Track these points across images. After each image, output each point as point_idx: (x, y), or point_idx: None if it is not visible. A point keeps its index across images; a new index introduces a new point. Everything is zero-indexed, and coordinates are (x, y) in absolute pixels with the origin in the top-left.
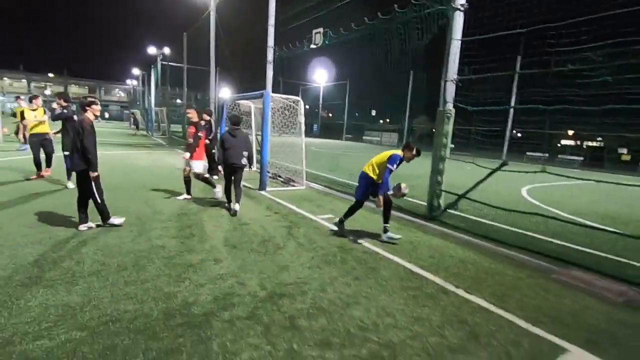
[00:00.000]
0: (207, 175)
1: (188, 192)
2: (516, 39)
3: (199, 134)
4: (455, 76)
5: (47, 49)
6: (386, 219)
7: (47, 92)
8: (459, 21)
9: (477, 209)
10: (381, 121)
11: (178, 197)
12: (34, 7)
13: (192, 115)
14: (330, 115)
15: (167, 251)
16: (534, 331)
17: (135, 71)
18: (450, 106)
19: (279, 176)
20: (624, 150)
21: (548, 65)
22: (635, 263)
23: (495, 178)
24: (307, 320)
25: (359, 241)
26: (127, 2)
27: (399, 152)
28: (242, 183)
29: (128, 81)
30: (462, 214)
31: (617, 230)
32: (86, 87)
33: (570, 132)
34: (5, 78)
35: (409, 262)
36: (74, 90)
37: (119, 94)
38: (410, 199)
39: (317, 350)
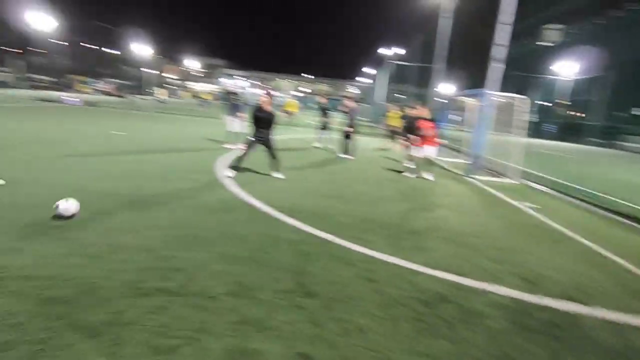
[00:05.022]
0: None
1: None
2: None
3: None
4: None
5: (308, 56)
6: None
7: (300, 88)
8: None
9: None
10: None
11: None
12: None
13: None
14: (581, 115)
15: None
16: None
17: (369, 70)
18: None
19: (491, 169)
20: None
21: None
22: None
23: None
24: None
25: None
26: (367, 13)
27: None
28: (453, 169)
29: (359, 78)
30: None
31: None
32: (329, 84)
33: None
34: (281, 80)
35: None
36: (321, 87)
37: (353, 90)
38: None
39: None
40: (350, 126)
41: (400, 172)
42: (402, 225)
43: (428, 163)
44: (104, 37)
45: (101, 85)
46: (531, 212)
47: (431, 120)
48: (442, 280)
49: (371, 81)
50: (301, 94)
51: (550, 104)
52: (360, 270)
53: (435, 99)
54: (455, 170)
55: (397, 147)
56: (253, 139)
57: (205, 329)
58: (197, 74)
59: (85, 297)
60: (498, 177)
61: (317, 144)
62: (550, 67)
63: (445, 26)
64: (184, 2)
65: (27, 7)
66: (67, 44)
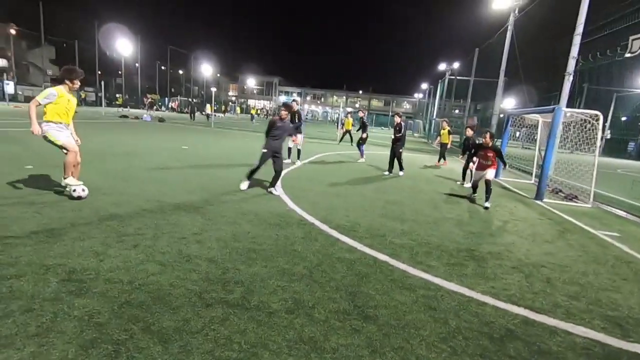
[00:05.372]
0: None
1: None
2: None
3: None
4: None
5: (361, 72)
6: None
7: (357, 105)
8: None
9: None
10: None
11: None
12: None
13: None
14: None
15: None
16: None
17: (423, 85)
18: None
19: (560, 191)
20: None
21: None
22: None
23: None
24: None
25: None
26: (424, 24)
27: None
28: (518, 191)
29: (415, 94)
30: None
31: None
32: (382, 100)
33: None
34: (334, 96)
35: None
36: (374, 103)
37: (405, 105)
38: None
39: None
40: (399, 142)
41: (456, 195)
42: (463, 250)
43: (487, 189)
44: (177, 60)
45: (171, 103)
46: (611, 241)
47: (493, 149)
48: (509, 313)
49: (422, 96)
50: (350, 110)
51: (626, 119)
52: (419, 296)
53: (498, 114)
54: (519, 192)
55: (446, 164)
56: (265, 150)
57: (264, 344)
58: (254, 91)
59: (157, 303)
60: (569, 200)
61: (362, 160)
62: (631, 80)
63: (509, 39)
64: (245, 26)
65: (115, 35)
66: (139, 65)
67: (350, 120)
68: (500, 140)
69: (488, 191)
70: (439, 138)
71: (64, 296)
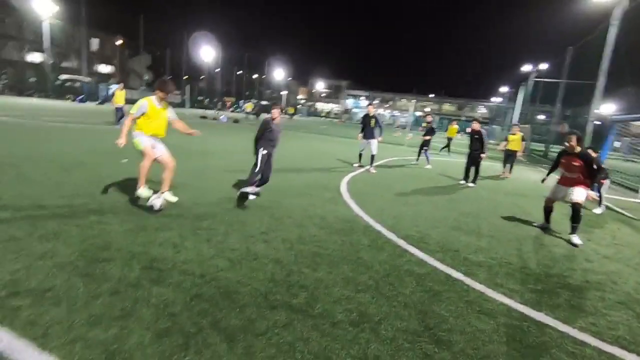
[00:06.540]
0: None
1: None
2: None
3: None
4: None
5: (433, 74)
6: None
7: (427, 109)
8: None
9: None
10: None
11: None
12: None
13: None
14: None
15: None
16: None
17: (503, 89)
18: None
19: None
20: None
21: None
22: None
23: None
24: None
25: None
26: (503, 24)
27: None
28: (622, 211)
29: (493, 99)
30: None
31: None
32: (456, 104)
33: None
34: (402, 99)
35: None
36: (446, 107)
37: (481, 110)
38: None
39: None
40: (477, 150)
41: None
42: (553, 275)
43: (574, 216)
44: (253, 65)
45: (244, 105)
46: None
47: (581, 157)
48: (617, 359)
49: (500, 100)
50: (420, 114)
51: None
52: (500, 324)
53: (593, 121)
54: (623, 212)
55: (510, 175)
56: (265, 152)
57: (327, 357)
58: (322, 94)
59: (224, 299)
60: None
61: (428, 166)
62: None
63: (612, 36)
64: (316, 31)
65: (200, 44)
66: (219, 70)
67: (456, 127)
68: (599, 151)
69: (575, 219)
70: (503, 143)
71: (144, 283)
